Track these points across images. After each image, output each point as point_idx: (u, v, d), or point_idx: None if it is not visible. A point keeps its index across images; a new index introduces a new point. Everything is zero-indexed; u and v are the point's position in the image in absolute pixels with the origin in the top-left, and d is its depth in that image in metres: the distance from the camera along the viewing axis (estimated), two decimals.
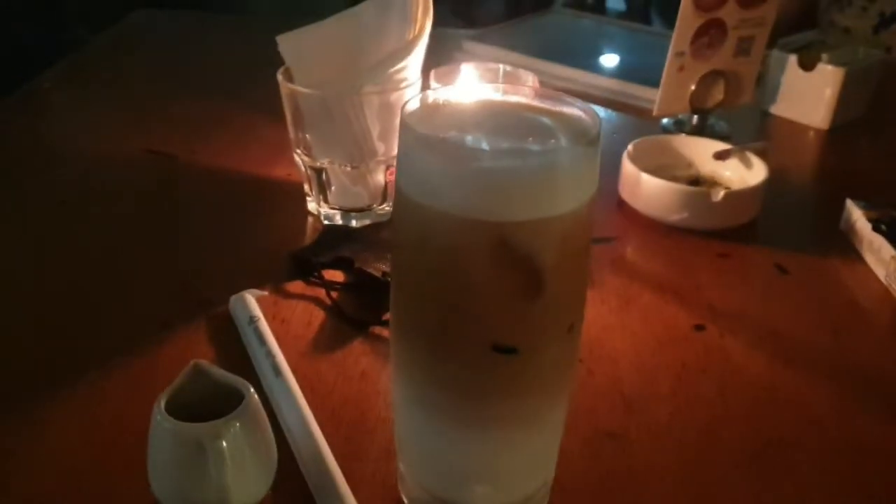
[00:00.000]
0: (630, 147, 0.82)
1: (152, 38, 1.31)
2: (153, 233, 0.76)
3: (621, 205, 0.82)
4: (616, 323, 0.65)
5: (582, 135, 0.39)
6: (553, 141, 0.39)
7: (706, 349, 0.62)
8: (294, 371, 0.56)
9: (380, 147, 0.72)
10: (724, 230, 0.77)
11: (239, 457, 0.44)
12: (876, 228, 0.72)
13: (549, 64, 1.16)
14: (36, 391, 0.55)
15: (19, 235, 0.75)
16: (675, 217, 0.77)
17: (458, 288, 0.38)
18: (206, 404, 0.45)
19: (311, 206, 0.77)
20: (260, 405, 0.46)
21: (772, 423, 0.56)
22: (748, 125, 1.04)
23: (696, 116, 0.99)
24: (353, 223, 0.75)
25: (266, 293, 0.65)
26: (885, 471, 0.53)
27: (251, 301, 0.63)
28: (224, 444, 0.43)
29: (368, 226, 0.76)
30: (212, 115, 0.99)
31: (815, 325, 0.66)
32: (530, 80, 0.79)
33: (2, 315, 0.64)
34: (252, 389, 0.46)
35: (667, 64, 0.94)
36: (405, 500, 0.47)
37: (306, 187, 0.77)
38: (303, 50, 0.72)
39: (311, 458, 0.49)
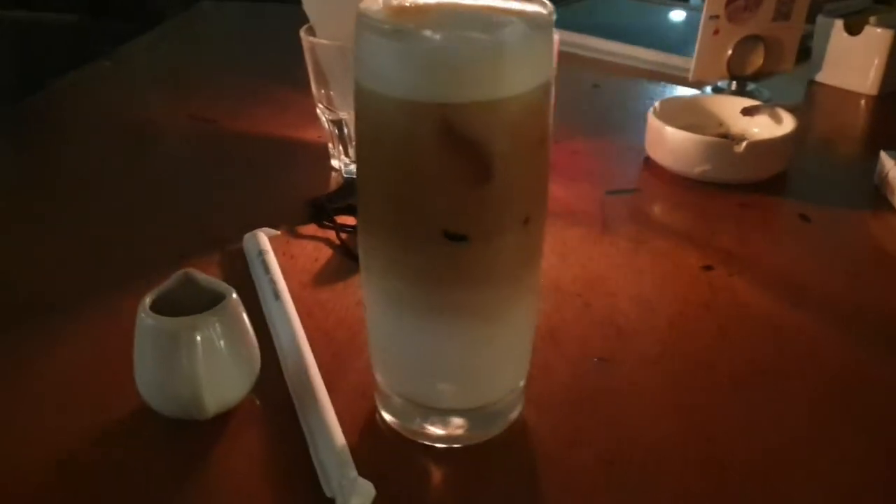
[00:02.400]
0: (657, 104, 0.82)
1: (214, 26, 1.37)
2: (187, 182, 0.79)
3: (648, 161, 0.81)
4: (623, 263, 0.64)
5: (533, 20, 0.39)
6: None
7: (712, 287, 0.61)
8: (295, 298, 0.57)
9: None
10: (750, 183, 0.76)
11: (213, 352, 0.45)
12: None
13: (589, 38, 1.16)
14: (53, 310, 0.59)
15: (79, 178, 0.80)
16: (698, 169, 0.76)
17: (407, 174, 0.39)
18: (193, 310, 0.47)
19: (335, 161, 0.79)
20: (241, 308, 0.48)
21: (770, 355, 0.55)
22: (794, 93, 1.02)
23: (734, 83, 0.97)
24: None
25: (279, 233, 0.67)
26: (880, 402, 0.51)
27: (263, 238, 0.65)
28: (198, 336, 0.45)
29: None
30: (256, 90, 1.02)
31: (832, 269, 0.64)
32: None
33: (50, 241, 0.68)
34: (235, 294, 0.48)
35: (701, 27, 0.93)
36: (379, 407, 0.48)
37: (330, 145, 0.79)
38: (325, 8, 0.74)
39: (295, 367, 0.51)
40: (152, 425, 0.47)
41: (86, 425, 0.48)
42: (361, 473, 0.43)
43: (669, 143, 0.77)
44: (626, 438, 0.47)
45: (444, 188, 0.39)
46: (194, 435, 0.47)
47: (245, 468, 0.45)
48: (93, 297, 0.60)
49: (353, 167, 0.77)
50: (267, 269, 0.60)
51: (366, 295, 0.46)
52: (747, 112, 0.81)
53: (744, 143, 0.74)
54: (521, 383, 0.48)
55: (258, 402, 0.49)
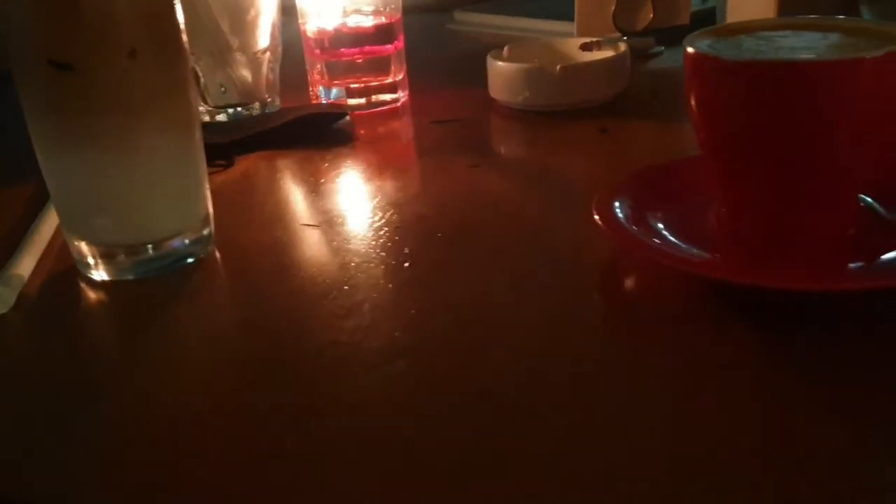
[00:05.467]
0: (505, 49, 0.84)
1: None
2: None
3: (492, 102, 0.83)
4: (398, 165, 0.69)
5: None
6: None
7: (464, 177, 0.64)
8: None
9: (233, 41, 0.80)
10: (579, 109, 0.77)
11: None
12: None
13: (535, 21, 1.19)
14: None
15: None
16: (520, 98, 0.78)
17: (11, 5, 0.45)
18: None
19: (202, 111, 0.86)
20: None
21: (479, 219, 0.57)
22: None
23: (625, 39, 0.98)
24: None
25: None
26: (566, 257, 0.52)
27: None
28: None
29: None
30: None
31: (586, 164, 0.65)
32: None
33: None
34: None
35: None
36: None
37: None
38: None
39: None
40: None
41: None
42: (30, 299, 0.49)
43: (497, 76, 0.80)
44: (299, 281, 0.50)
45: (39, 16, 0.45)
46: None
47: None
48: None
49: (214, 113, 0.84)
50: None
51: None
52: (586, 47, 0.83)
53: (558, 67, 0.76)
54: (193, 224, 0.52)
55: None
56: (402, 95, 0.85)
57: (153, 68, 0.48)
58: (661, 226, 0.48)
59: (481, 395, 0.38)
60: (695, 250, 0.46)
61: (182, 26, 0.50)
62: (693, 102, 0.46)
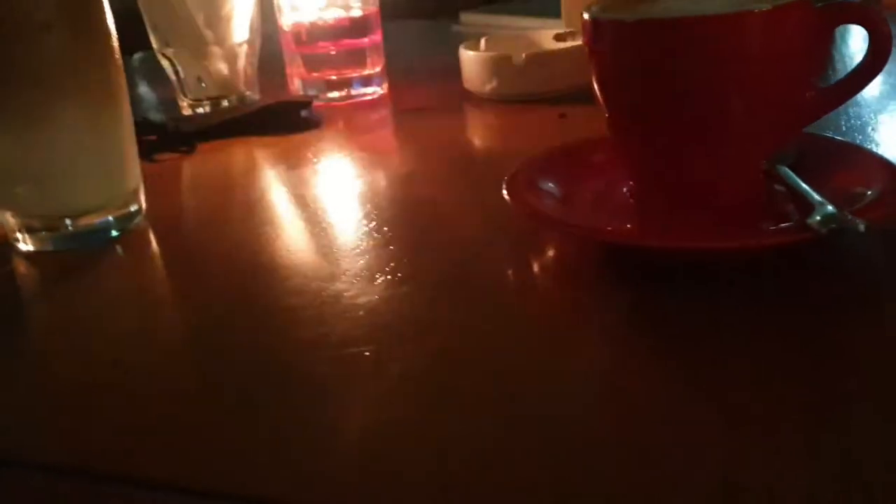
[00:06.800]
0: (482, 41, 0.84)
1: None
2: None
3: (466, 94, 0.83)
4: (355, 145, 0.69)
5: None
6: None
7: (410, 157, 0.65)
8: None
9: (208, 34, 0.81)
10: (549, 99, 0.75)
11: None
12: None
13: (540, 20, 1.19)
14: None
15: None
16: (488, 87, 0.77)
17: None
18: None
19: (183, 104, 0.88)
20: None
21: (404, 197, 0.57)
22: None
23: None
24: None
25: None
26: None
27: None
28: None
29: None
30: None
31: (537, 149, 0.64)
32: None
33: None
34: None
35: None
36: None
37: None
38: None
39: None
40: None
41: None
42: None
43: (466, 66, 0.80)
44: (215, 248, 0.51)
45: None
46: None
47: None
48: None
49: (201, 108, 0.86)
50: None
51: None
52: (559, 38, 0.82)
53: (524, 55, 0.75)
54: (118, 199, 0.53)
55: None
56: (379, 88, 0.86)
57: (70, 43, 0.49)
58: (572, 198, 0.47)
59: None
60: (602, 220, 0.45)
61: (106, 3, 0.51)
62: (592, 72, 0.45)
